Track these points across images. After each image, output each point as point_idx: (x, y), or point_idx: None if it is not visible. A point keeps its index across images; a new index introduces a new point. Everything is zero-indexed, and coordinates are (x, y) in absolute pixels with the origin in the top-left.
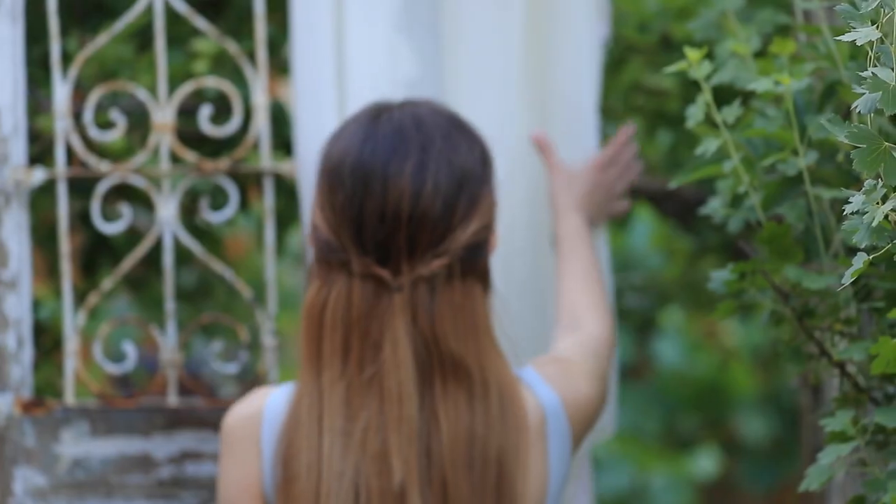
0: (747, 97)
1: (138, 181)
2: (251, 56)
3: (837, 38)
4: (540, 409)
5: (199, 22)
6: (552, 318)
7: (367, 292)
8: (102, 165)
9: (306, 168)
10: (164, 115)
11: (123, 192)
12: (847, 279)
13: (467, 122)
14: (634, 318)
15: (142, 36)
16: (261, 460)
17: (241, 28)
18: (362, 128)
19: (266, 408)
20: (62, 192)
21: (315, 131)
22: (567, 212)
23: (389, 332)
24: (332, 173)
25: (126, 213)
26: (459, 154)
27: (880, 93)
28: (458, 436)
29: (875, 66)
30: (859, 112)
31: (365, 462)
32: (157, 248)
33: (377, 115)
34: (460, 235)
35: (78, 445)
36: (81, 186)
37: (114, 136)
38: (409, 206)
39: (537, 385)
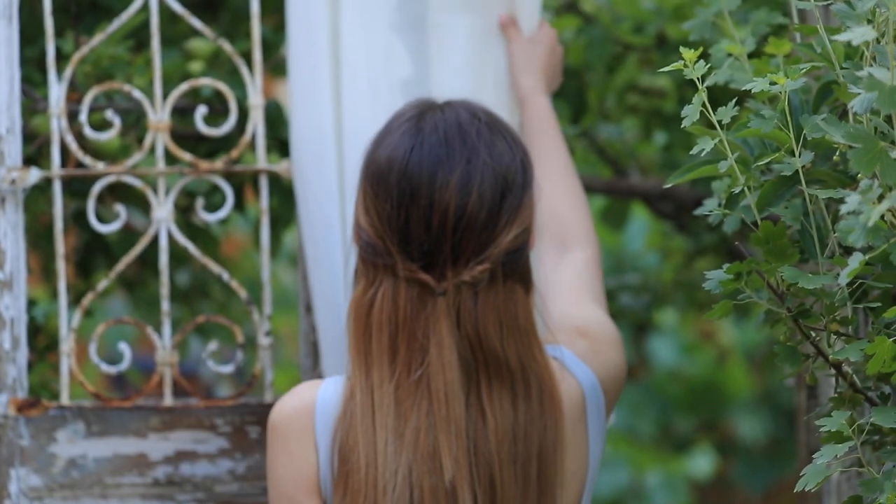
0: (743, 97)
1: (134, 181)
2: (247, 56)
3: (833, 37)
4: (579, 389)
5: (195, 22)
6: None
7: (412, 295)
8: (98, 165)
9: (301, 168)
10: (159, 115)
11: (119, 192)
12: (843, 279)
13: (507, 126)
14: (630, 318)
15: (137, 36)
16: (317, 452)
17: (236, 28)
18: (408, 135)
19: (318, 400)
20: (57, 191)
21: (311, 132)
22: (533, 94)
23: (435, 336)
24: (378, 180)
25: (121, 214)
26: (502, 163)
27: (876, 92)
28: (503, 433)
29: (871, 65)
30: (855, 112)
31: (416, 461)
32: (153, 249)
33: (420, 118)
34: (503, 241)
35: (73, 445)
36: (76, 187)
37: (109, 136)
38: (454, 217)
39: (574, 364)
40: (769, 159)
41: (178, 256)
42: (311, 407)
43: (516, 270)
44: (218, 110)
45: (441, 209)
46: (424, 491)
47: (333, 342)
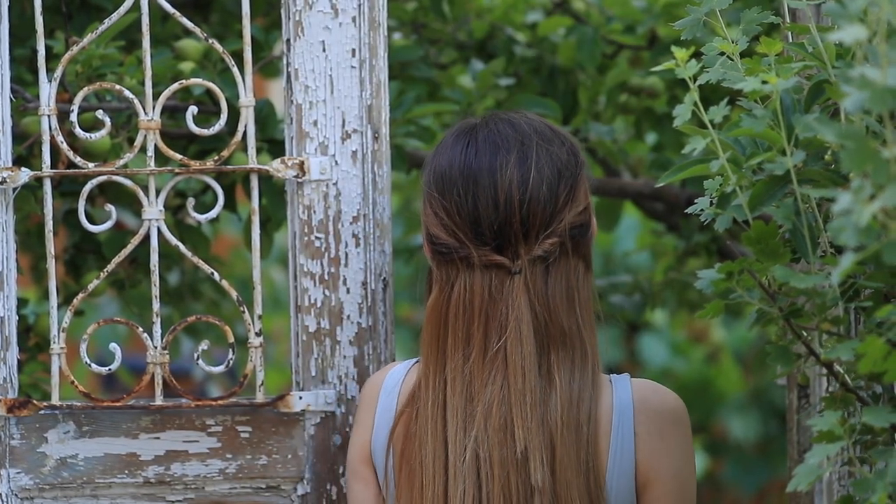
0: (734, 97)
1: (125, 181)
2: (238, 56)
3: (825, 37)
4: (610, 406)
5: (186, 22)
6: None
7: (488, 280)
8: (89, 165)
9: None
10: (150, 115)
11: (110, 191)
12: (835, 279)
13: (551, 123)
14: (621, 318)
15: (128, 36)
16: (372, 426)
17: (227, 28)
18: (461, 139)
19: (385, 380)
20: (48, 191)
21: None
22: None
23: (514, 311)
24: (441, 179)
25: (112, 213)
26: (553, 145)
27: (868, 92)
28: (565, 399)
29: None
30: (847, 111)
31: (487, 434)
32: (144, 249)
33: (470, 127)
34: (567, 216)
35: (64, 445)
36: (67, 187)
37: (100, 136)
38: (518, 191)
39: (621, 384)
40: (761, 159)
41: (170, 256)
42: (380, 385)
43: (581, 246)
44: (209, 110)
45: (505, 187)
46: (493, 462)
47: None
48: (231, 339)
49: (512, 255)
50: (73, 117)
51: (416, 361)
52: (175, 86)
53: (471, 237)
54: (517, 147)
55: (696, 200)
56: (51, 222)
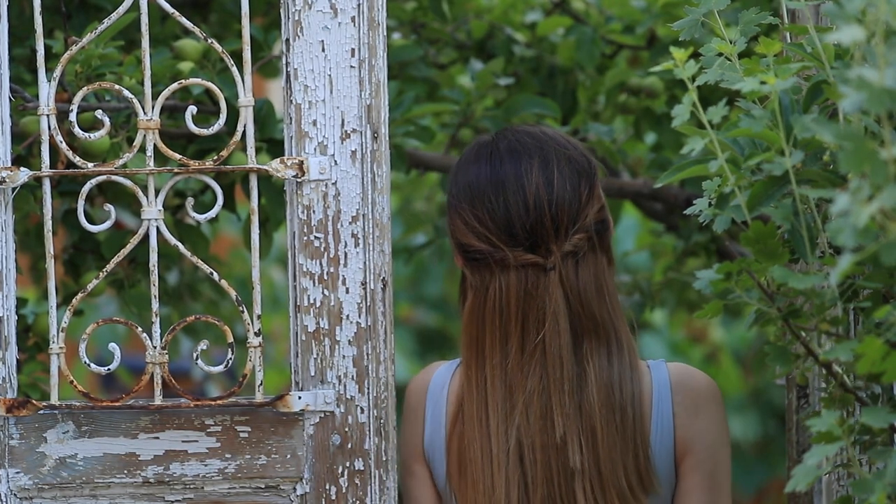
0: (733, 97)
1: (124, 181)
2: (237, 56)
3: (824, 37)
4: (650, 388)
5: (186, 22)
6: None
7: (524, 278)
8: (88, 165)
9: None
10: (149, 115)
11: (109, 191)
12: (833, 279)
13: (562, 132)
14: None
15: (127, 36)
16: (423, 425)
17: (226, 28)
18: (483, 152)
19: (431, 380)
20: (47, 191)
21: None
22: None
23: (551, 305)
24: (470, 191)
25: (111, 213)
26: (569, 150)
27: (866, 93)
28: (602, 385)
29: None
30: (845, 112)
31: (529, 422)
32: (143, 248)
33: (489, 141)
34: (590, 212)
35: (63, 445)
36: (66, 186)
37: (99, 136)
38: (545, 192)
39: (658, 368)
40: (759, 159)
41: (169, 256)
42: (426, 386)
43: (604, 241)
44: (208, 110)
45: (532, 190)
46: (536, 448)
47: None
48: (230, 339)
49: (544, 253)
50: (73, 117)
51: (460, 362)
52: (174, 85)
53: (504, 240)
54: (538, 153)
55: (694, 201)
56: (50, 222)
